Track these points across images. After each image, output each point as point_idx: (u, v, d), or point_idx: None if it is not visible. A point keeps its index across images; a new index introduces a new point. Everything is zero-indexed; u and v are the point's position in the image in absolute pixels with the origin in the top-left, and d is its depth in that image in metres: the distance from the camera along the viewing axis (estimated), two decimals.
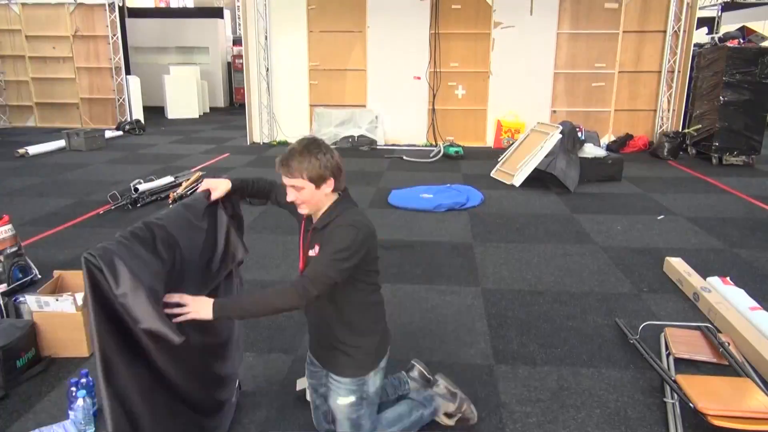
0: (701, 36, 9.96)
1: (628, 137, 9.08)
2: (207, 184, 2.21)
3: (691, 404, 2.35)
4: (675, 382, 2.53)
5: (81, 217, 5.36)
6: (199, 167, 7.41)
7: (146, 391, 1.73)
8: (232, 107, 15.70)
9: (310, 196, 1.93)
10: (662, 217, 5.39)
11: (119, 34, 11.23)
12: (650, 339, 3.07)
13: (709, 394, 2.39)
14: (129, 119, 11.20)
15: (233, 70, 15.71)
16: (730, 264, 4.21)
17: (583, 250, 4.50)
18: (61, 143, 8.98)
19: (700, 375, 2.72)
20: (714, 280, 3.61)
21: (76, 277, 3.15)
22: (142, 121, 11.35)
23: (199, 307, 1.82)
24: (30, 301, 2.89)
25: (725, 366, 2.80)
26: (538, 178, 6.58)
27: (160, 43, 15.54)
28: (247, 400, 2.54)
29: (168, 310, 1.74)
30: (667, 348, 2.94)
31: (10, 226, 3.69)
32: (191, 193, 5.84)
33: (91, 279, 1.57)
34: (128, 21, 14.47)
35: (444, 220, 5.28)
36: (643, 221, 5.29)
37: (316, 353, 2.19)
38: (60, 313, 2.85)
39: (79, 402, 2.25)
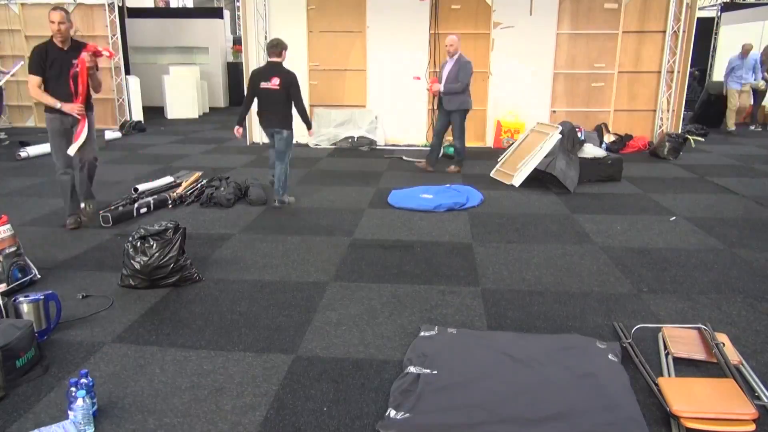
0: None
1: (628, 137, 9.09)
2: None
3: (666, 407, 2.36)
4: (656, 384, 2.54)
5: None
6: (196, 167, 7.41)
7: None
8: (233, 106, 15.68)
9: None
10: (674, 218, 5.38)
11: (119, 34, 11.23)
12: (650, 339, 3.08)
13: (686, 397, 2.39)
14: (129, 120, 11.22)
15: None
16: (730, 264, 4.22)
17: (583, 250, 4.51)
18: None
19: (682, 377, 2.71)
20: None
21: None
22: (142, 122, 11.37)
23: None
24: None
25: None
26: (538, 179, 6.58)
27: (160, 43, 15.54)
28: (246, 400, 2.55)
29: None
30: (665, 348, 2.94)
31: (8, 225, 3.70)
32: (191, 193, 5.89)
33: None
34: (128, 21, 14.49)
35: (444, 220, 5.28)
36: (643, 221, 5.30)
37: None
38: None
39: (79, 402, 2.25)
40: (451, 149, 8.42)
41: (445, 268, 4.13)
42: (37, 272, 3.84)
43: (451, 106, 7.17)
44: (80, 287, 3.74)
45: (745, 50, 10.77)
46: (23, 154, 8.22)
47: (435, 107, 7.47)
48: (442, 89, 7.12)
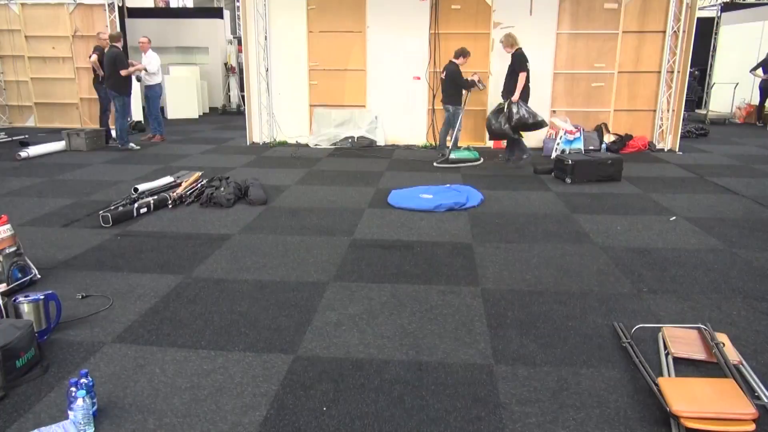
0: None
1: (628, 137, 9.09)
2: None
3: (666, 407, 2.36)
4: (656, 384, 2.54)
5: (81, 217, 5.36)
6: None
7: None
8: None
9: None
10: (674, 218, 5.38)
11: None
12: (650, 339, 3.08)
13: (686, 397, 2.39)
14: (130, 120, 11.23)
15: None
16: (730, 264, 4.22)
17: (583, 250, 4.50)
18: (61, 144, 8.98)
19: (682, 377, 2.71)
20: None
21: None
22: (142, 122, 11.38)
23: None
24: None
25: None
26: (539, 179, 6.58)
27: (160, 43, 15.48)
28: (246, 400, 2.55)
29: None
30: (665, 347, 2.94)
31: (8, 225, 3.70)
32: (191, 193, 5.89)
33: None
34: (128, 21, 14.48)
35: (444, 220, 5.28)
36: (643, 221, 5.30)
37: None
38: None
39: (79, 402, 2.25)
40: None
41: (445, 268, 4.13)
42: (37, 272, 3.84)
43: None
44: (80, 287, 3.74)
45: None
46: (23, 154, 8.22)
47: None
48: None
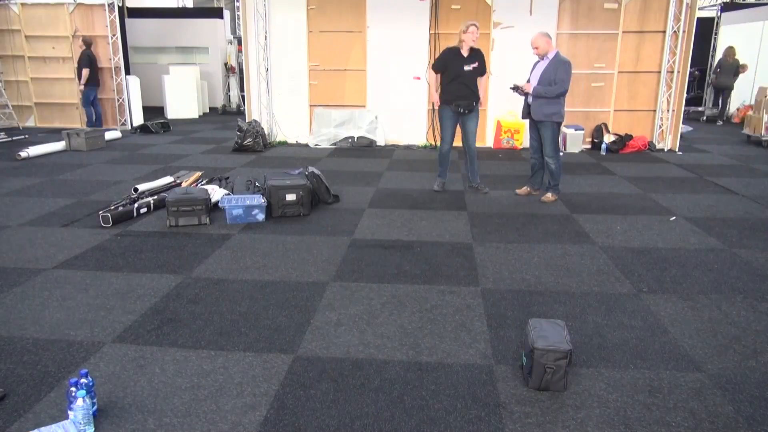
0: None
1: (628, 137, 9.09)
2: None
3: None
4: None
5: (81, 217, 5.36)
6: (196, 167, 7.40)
7: None
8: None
9: None
10: (674, 218, 5.38)
11: (119, 34, 11.23)
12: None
13: None
14: (132, 121, 11.23)
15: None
16: (730, 264, 4.22)
17: (583, 250, 4.51)
18: (61, 144, 8.97)
19: None
20: None
21: None
22: (142, 122, 11.40)
23: None
24: None
25: None
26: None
27: (160, 43, 15.54)
28: (246, 400, 2.55)
29: None
30: None
31: None
32: None
33: None
34: (128, 21, 14.50)
35: (444, 220, 5.28)
36: (643, 221, 5.30)
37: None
38: None
39: (79, 402, 2.25)
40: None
41: (445, 268, 4.13)
42: None
43: (539, 115, 5.82)
44: (80, 287, 3.74)
45: None
46: (23, 154, 8.22)
47: (522, 116, 6.16)
48: (531, 91, 5.85)
